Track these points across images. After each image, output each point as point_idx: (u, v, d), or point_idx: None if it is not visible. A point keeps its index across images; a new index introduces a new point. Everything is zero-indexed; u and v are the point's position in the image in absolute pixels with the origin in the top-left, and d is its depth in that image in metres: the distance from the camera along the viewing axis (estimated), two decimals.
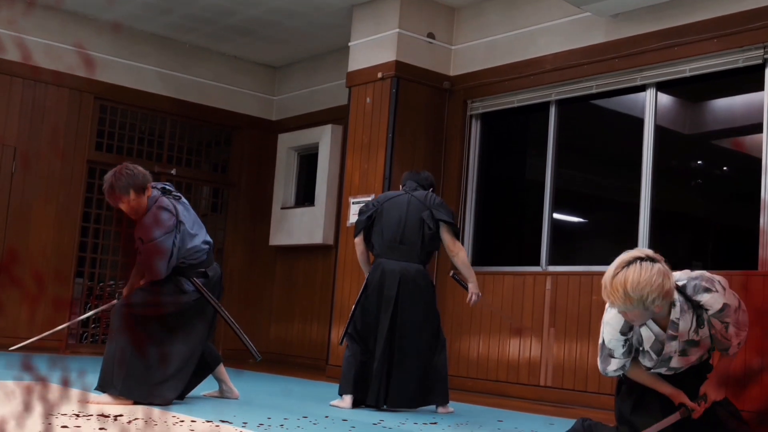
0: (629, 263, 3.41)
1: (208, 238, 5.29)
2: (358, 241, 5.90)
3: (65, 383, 4.23)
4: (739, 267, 6.07)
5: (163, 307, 5.02)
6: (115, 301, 5.41)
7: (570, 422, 4.40)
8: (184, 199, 5.26)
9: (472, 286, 5.87)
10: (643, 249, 3.53)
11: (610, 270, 3.45)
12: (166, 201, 5.05)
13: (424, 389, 5.55)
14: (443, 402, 5.59)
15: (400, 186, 6.08)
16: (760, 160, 6.10)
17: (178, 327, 5.07)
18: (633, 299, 3.36)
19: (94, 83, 9.30)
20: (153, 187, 5.10)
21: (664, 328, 3.57)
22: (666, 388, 3.71)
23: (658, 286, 3.36)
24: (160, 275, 4.99)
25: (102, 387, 4.90)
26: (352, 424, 4.53)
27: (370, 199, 7.92)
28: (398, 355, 5.53)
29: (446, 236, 5.75)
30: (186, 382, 5.12)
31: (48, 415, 3.75)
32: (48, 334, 5.91)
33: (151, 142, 9.92)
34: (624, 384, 3.87)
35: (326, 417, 4.76)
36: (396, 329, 5.55)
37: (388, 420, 4.87)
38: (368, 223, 5.83)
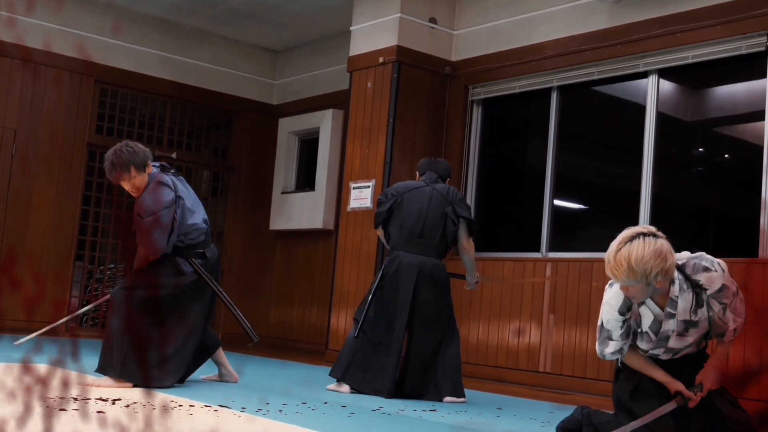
0: (632, 238, 3.46)
1: (207, 218, 5.31)
2: (380, 232, 5.90)
3: (64, 367, 4.22)
4: (740, 254, 6.06)
5: (161, 289, 5.03)
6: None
7: (569, 409, 4.40)
8: (182, 177, 5.28)
9: (470, 278, 5.90)
10: (646, 225, 3.56)
11: (613, 245, 3.49)
12: (165, 177, 5.08)
13: (435, 381, 5.51)
14: (457, 394, 5.47)
15: (417, 174, 6.01)
16: (761, 148, 6.08)
17: (176, 309, 5.07)
18: (637, 273, 3.40)
19: (95, 66, 9.27)
20: (152, 165, 5.12)
21: (662, 307, 3.59)
22: (662, 377, 3.71)
23: (661, 260, 3.40)
24: (161, 250, 4.99)
25: (101, 370, 4.91)
26: (351, 410, 4.54)
27: (370, 184, 7.92)
28: (413, 349, 5.54)
29: (463, 233, 5.76)
30: (186, 364, 5.12)
31: (46, 398, 3.75)
32: (47, 329, 5.90)
33: (151, 125, 9.91)
34: (622, 371, 3.88)
35: (325, 403, 4.76)
36: (413, 323, 5.55)
37: (387, 406, 4.87)
38: (388, 214, 5.80)
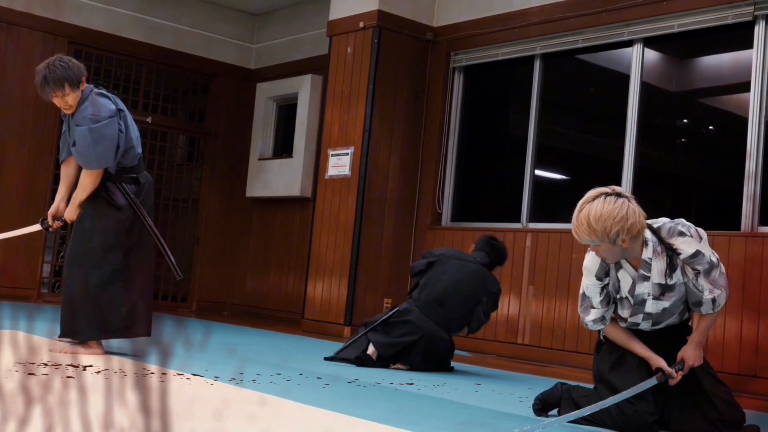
0: (594, 198, 3.49)
1: (140, 137, 5.02)
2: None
3: (34, 332, 4.12)
4: (722, 227, 6.01)
5: (103, 235, 4.76)
6: (36, 226, 5.13)
7: (547, 381, 4.34)
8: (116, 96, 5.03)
9: None
10: (612, 186, 3.57)
11: (577, 206, 3.53)
12: (102, 90, 4.83)
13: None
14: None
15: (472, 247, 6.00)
16: (746, 120, 6.01)
17: (130, 252, 4.81)
18: (597, 232, 3.43)
19: (68, 27, 9.06)
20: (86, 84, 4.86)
21: (637, 269, 3.57)
22: (644, 351, 3.68)
23: (621, 219, 3.41)
24: (106, 164, 4.67)
25: (65, 334, 4.72)
26: (326, 381, 4.45)
27: (349, 151, 7.81)
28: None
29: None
30: (151, 307, 4.91)
31: (16, 363, 3.64)
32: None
33: (126, 88, 9.71)
34: (604, 344, 3.84)
35: (300, 374, 4.67)
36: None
37: (364, 378, 4.79)
38: (427, 267, 5.75)
